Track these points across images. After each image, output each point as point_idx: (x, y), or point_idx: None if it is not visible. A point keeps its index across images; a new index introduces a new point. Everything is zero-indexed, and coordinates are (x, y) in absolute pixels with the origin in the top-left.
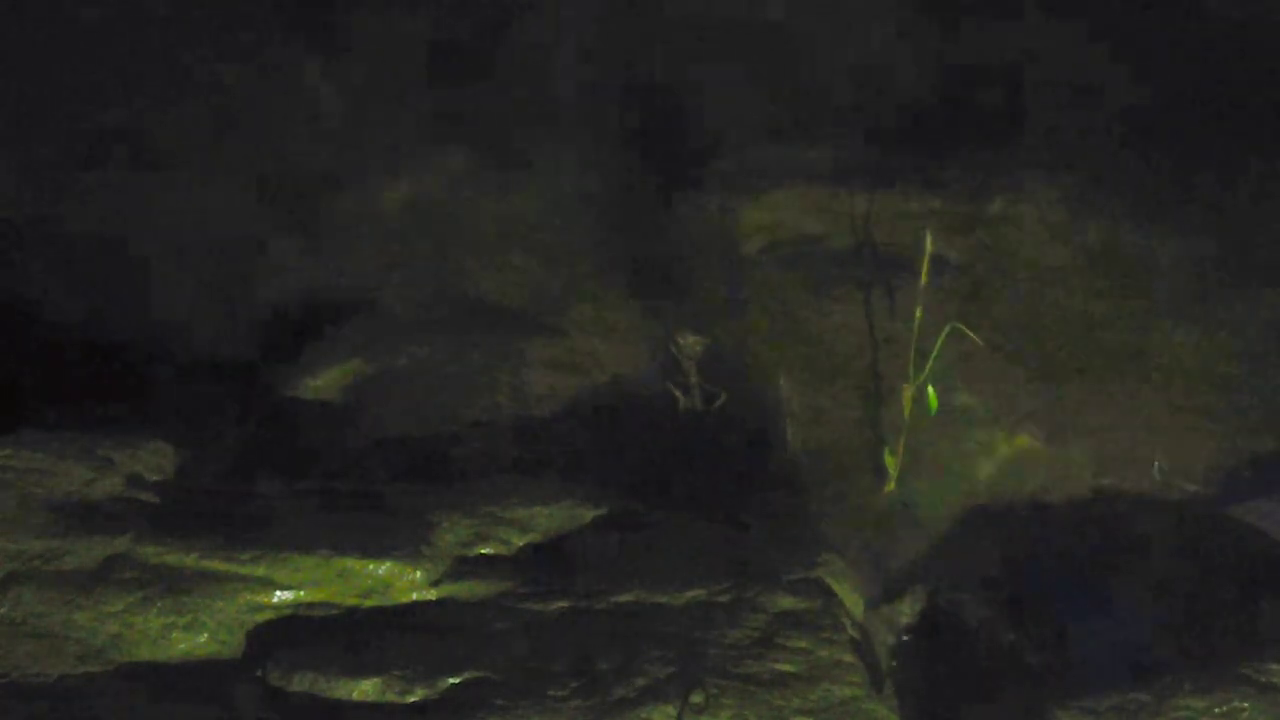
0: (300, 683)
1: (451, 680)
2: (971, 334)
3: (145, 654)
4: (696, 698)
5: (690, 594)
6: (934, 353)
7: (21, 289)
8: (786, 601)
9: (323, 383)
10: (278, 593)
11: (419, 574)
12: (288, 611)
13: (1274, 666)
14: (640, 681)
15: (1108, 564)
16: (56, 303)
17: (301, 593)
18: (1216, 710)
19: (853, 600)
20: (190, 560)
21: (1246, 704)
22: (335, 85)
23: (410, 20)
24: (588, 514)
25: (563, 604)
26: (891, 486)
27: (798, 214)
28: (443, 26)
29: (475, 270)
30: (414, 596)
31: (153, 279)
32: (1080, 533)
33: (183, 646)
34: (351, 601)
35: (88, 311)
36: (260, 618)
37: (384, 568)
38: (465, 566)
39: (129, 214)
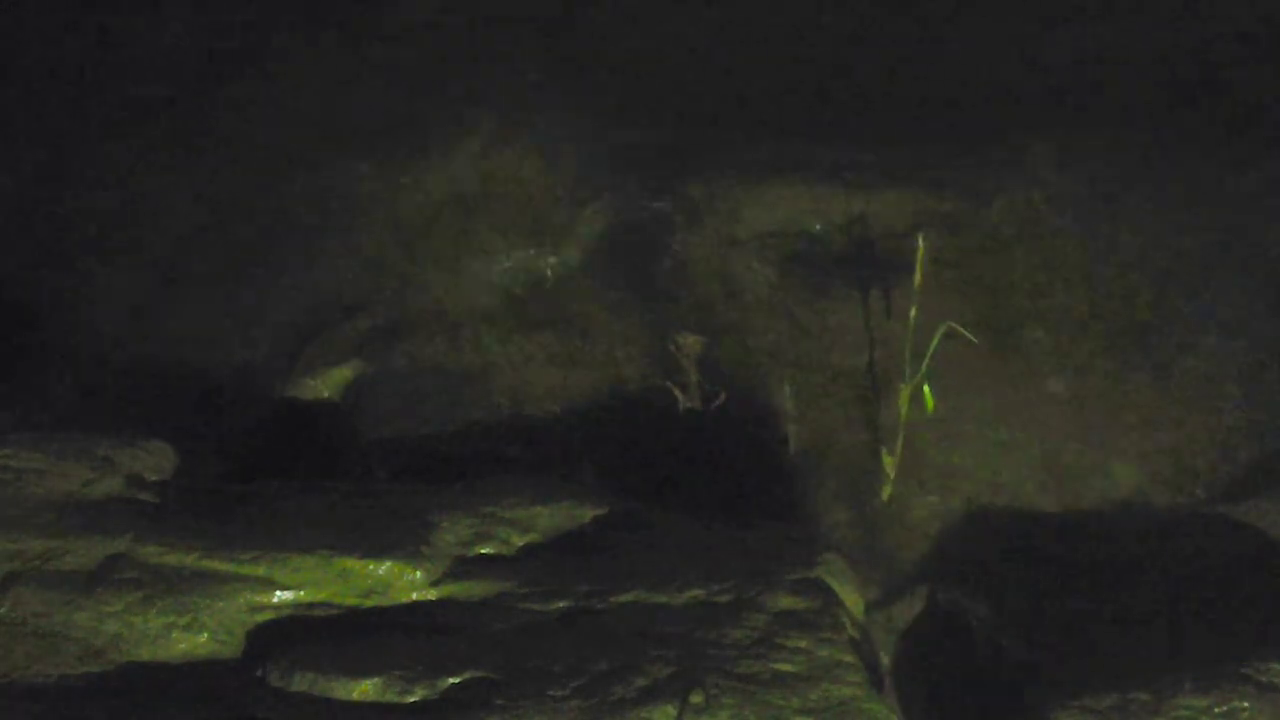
0: (300, 683)
1: (451, 680)
2: (966, 332)
3: (145, 654)
4: (696, 698)
5: (690, 594)
6: (929, 352)
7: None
8: (786, 601)
9: (322, 383)
10: (278, 593)
11: (419, 574)
12: (288, 611)
13: (1274, 666)
14: (640, 681)
15: (1108, 563)
16: (58, 305)
17: (301, 593)
18: (1216, 710)
19: (853, 600)
20: (190, 560)
21: (1246, 704)
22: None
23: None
24: (588, 514)
25: (563, 604)
26: (889, 486)
27: (797, 213)
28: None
29: (473, 269)
30: (414, 596)
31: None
32: (1081, 532)
33: (183, 646)
34: (351, 601)
35: (89, 314)
36: (260, 618)
37: (384, 568)
38: (465, 566)
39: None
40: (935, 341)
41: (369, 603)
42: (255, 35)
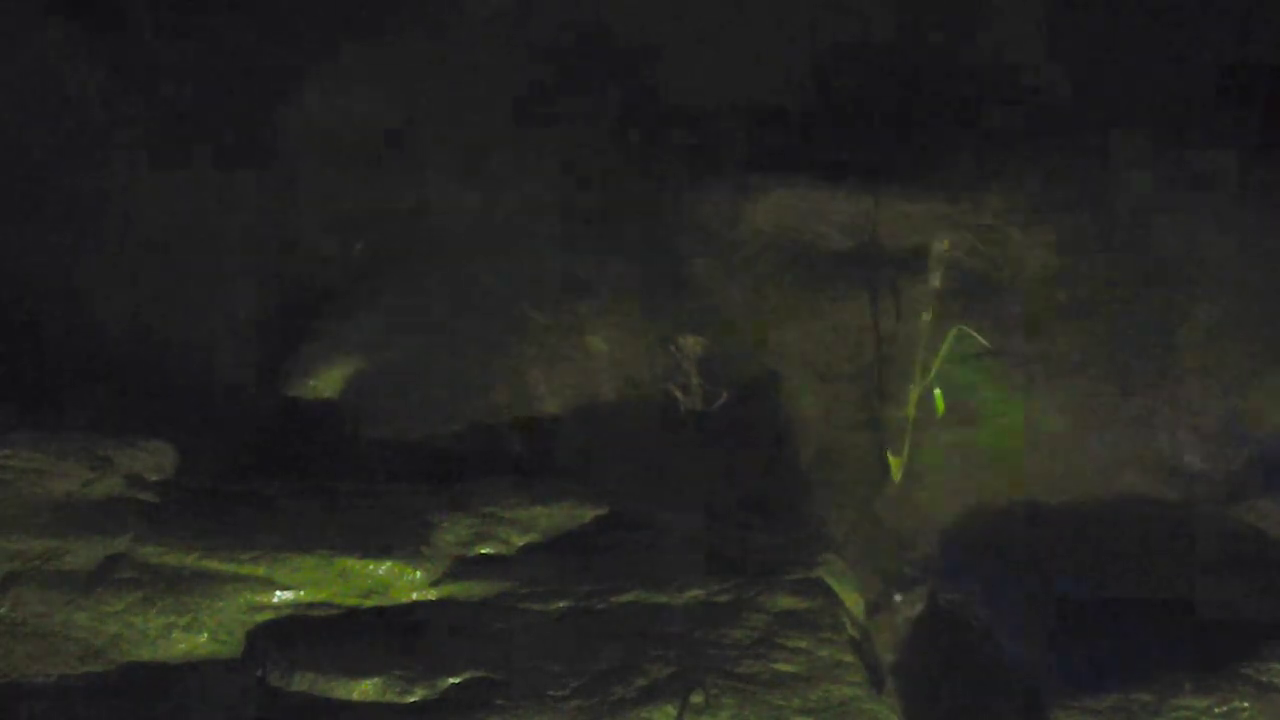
0: (300, 683)
1: (451, 680)
2: (977, 335)
3: (145, 654)
4: (696, 698)
5: (690, 594)
6: (940, 353)
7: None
8: (786, 601)
9: (323, 383)
10: (278, 593)
11: (419, 574)
12: (288, 611)
13: (1274, 666)
14: (640, 681)
15: (1108, 563)
16: (56, 305)
17: (301, 593)
18: (1216, 710)
19: (853, 600)
20: (190, 560)
21: (1246, 704)
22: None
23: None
24: (588, 514)
25: (563, 604)
26: (893, 487)
27: (799, 214)
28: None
29: (474, 270)
30: (414, 596)
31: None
32: (1082, 532)
33: (183, 646)
34: (351, 601)
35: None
36: (260, 618)
37: (384, 568)
38: (465, 566)
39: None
40: (947, 344)
41: (369, 603)
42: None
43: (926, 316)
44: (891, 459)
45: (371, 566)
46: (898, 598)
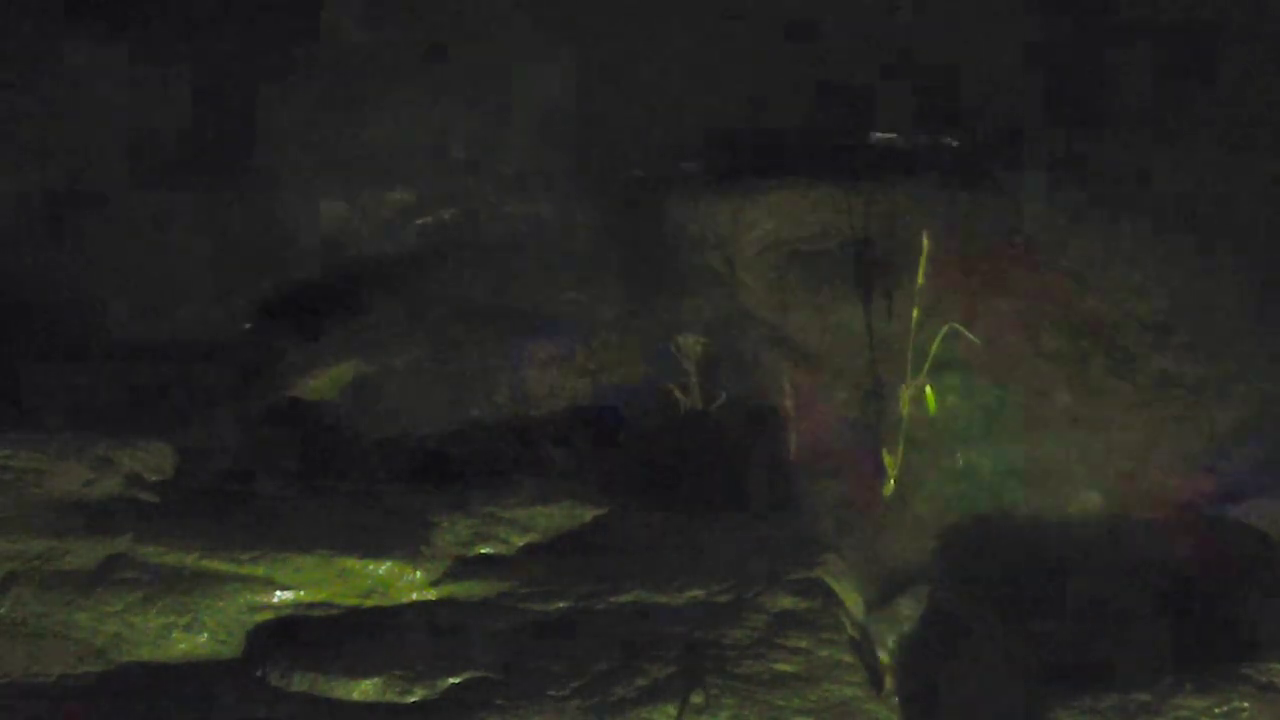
0: (300, 683)
1: (451, 680)
2: (968, 333)
3: (145, 654)
4: (696, 698)
5: (690, 594)
6: (931, 352)
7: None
8: (786, 601)
9: (322, 383)
10: (278, 593)
11: (419, 574)
12: (288, 611)
13: (1274, 666)
14: (640, 681)
15: (1108, 563)
16: (60, 305)
17: (301, 593)
18: (1216, 710)
19: (853, 600)
20: (190, 560)
21: (1246, 704)
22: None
23: None
24: (588, 514)
25: (563, 604)
26: (890, 486)
27: (797, 214)
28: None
29: (474, 269)
30: (414, 596)
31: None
32: (1081, 532)
33: (183, 646)
34: (351, 601)
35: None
36: (260, 618)
37: (384, 568)
38: (465, 566)
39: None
40: (937, 342)
41: (369, 603)
42: None
43: (915, 313)
44: (887, 458)
45: (371, 566)
46: (898, 598)
